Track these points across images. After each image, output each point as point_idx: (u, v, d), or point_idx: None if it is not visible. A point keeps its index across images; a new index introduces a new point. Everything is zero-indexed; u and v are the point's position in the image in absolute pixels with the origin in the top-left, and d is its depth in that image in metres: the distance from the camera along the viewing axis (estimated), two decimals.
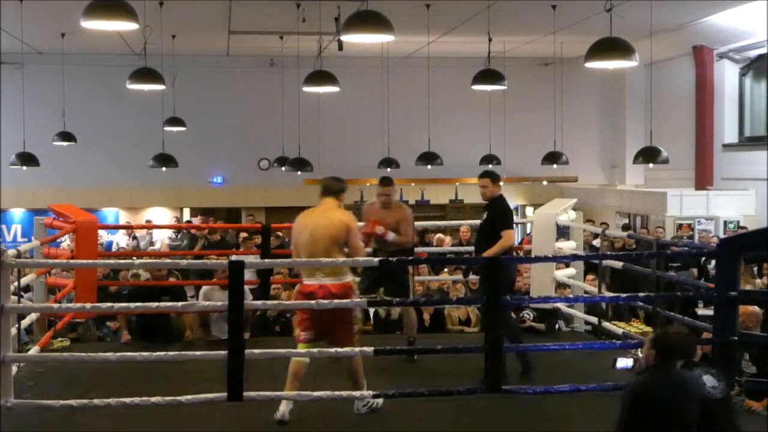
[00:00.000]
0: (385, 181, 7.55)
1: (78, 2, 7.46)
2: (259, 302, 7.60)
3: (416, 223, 7.98)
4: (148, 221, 18.54)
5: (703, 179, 17.05)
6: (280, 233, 12.72)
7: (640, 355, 4.50)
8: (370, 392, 5.94)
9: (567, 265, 9.18)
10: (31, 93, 17.31)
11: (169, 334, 8.51)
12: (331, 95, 14.26)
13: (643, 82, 17.79)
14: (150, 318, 8.36)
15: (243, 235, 12.70)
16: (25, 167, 14.96)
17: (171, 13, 12.40)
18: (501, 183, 7.31)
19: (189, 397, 5.61)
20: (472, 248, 8.81)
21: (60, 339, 8.20)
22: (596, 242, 13.71)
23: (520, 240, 17.10)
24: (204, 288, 9.06)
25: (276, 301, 8.73)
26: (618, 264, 8.51)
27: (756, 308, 6.53)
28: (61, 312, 7.50)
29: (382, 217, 7.43)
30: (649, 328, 8.62)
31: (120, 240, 17.42)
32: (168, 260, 9.70)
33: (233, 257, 7.89)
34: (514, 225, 7.11)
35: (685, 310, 9.73)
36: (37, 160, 14.91)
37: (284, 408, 5.79)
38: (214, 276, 9.09)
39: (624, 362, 4.52)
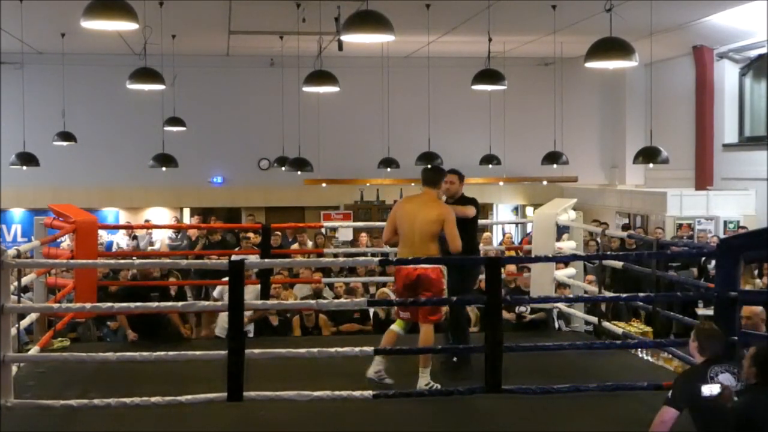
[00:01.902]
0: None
1: (78, 2, 7.46)
2: (259, 302, 7.60)
3: None
4: (147, 221, 18.53)
5: (703, 179, 17.05)
6: (279, 233, 12.72)
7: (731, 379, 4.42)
8: (369, 393, 5.95)
9: (567, 265, 9.19)
10: (31, 93, 17.31)
11: (164, 331, 8.49)
12: (331, 95, 14.26)
13: (643, 82, 17.79)
14: (143, 316, 8.34)
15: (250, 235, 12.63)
16: (25, 167, 14.96)
17: (171, 13, 12.40)
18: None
19: (189, 397, 5.61)
20: None
21: (60, 339, 8.20)
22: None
23: (519, 240, 17.16)
24: (219, 287, 9.10)
25: (276, 301, 8.73)
26: (618, 264, 8.51)
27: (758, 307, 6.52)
28: (61, 312, 7.50)
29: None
30: (649, 328, 8.62)
31: (120, 240, 17.42)
32: (168, 260, 9.71)
33: (233, 257, 7.90)
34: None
35: (685, 310, 9.75)
36: (37, 160, 14.91)
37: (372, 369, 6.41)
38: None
39: (709, 390, 4.41)
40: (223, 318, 8.79)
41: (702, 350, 4.60)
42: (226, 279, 8.70)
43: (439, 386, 6.35)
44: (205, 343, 8.33)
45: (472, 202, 7.20)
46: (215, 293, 9.06)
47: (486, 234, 13.75)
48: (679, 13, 13.91)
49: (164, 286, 9.25)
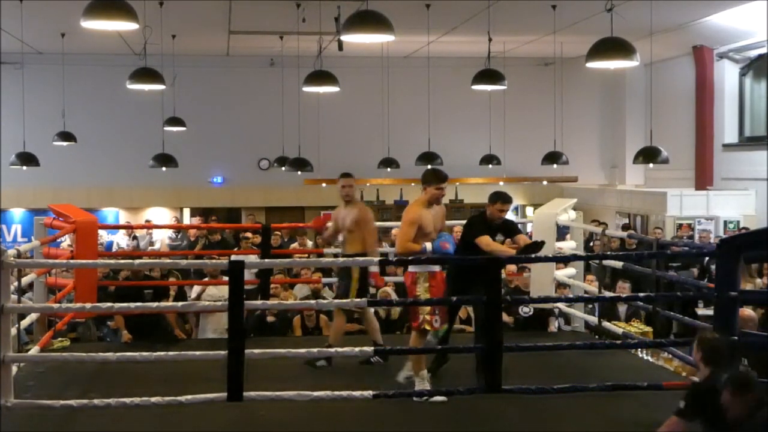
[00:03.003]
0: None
1: (78, 2, 7.45)
2: (259, 302, 7.60)
3: None
4: (147, 221, 18.53)
5: (703, 179, 17.04)
6: (279, 233, 12.70)
7: None
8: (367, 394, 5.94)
9: (567, 265, 9.19)
10: (31, 93, 17.31)
11: (159, 331, 8.48)
12: (331, 95, 14.25)
13: (643, 82, 17.79)
14: (137, 317, 8.34)
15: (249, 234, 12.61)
16: (25, 167, 14.95)
17: (171, 13, 12.39)
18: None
19: (189, 397, 5.60)
20: None
21: (60, 339, 8.20)
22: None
23: None
24: (196, 288, 9.08)
25: (276, 301, 8.72)
26: (618, 264, 8.50)
27: (752, 312, 6.52)
28: (61, 312, 7.50)
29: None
30: (649, 328, 8.62)
31: (120, 240, 17.42)
32: (168, 260, 9.71)
33: (233, 257, 7.90)
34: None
35: (685, 310, 9.74)
36: (37, 160, 14.90)
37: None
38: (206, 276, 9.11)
39: None
40: (208, 319, 8.80)
41: (706, 361, 4.63)
42: (206, 279, 8.81)
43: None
44: (205, 343, 8.32)
45: (516, 229, 7.17)
46: (192, 295, 9.05)
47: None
48: (679, 13, 13.90)
49: (159, 285, 9.23)
